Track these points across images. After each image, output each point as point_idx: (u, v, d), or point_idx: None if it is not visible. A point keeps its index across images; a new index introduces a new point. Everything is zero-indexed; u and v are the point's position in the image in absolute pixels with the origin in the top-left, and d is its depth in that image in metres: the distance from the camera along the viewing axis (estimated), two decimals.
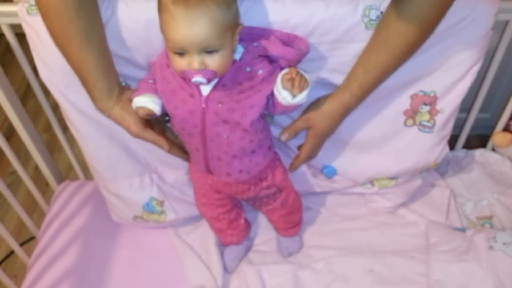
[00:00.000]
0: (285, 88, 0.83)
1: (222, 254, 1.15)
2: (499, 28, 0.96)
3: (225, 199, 1.08)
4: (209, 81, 0.79)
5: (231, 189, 1.02)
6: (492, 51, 1.07)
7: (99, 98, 0.88)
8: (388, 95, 0.97)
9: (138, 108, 0.86)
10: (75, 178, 1.38)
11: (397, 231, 1.20)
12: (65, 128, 1.06)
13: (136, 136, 0.91)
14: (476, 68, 0.97)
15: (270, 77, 0.85)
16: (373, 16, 0.86)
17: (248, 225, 1.17)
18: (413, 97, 1.01)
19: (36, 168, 1.32)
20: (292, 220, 1.14)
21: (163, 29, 0.76)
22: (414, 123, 1.05)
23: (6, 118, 1.14)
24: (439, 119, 1.04)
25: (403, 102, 1.02)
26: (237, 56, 0.82)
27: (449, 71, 0.97)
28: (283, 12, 0.85)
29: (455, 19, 0.87)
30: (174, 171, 1.13)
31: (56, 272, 1.15)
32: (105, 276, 1.14)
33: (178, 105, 0.86)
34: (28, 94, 2.00)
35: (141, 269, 1.16)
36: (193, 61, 0.75)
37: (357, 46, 0.89)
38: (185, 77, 0.79)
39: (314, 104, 0.94)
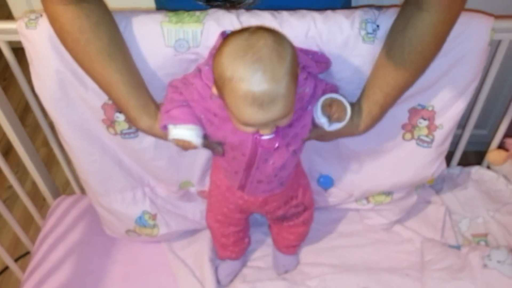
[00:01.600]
0: (324, 114, 0.83)
1: (216, 269, 1.15)
2: (492, 47, 0.97)
3: (244, 219, 1.08)
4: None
5: (264, 208, 1.01)
6: (485, 69, 1.08)
7: (137, 117, 0.86)
8: None
9: (178, 140, 0.82)
10: (73, 192, 1.38)
11: (392, 248, 1.20)
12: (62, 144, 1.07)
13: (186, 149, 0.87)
14: (475, 84, 0.98)
15: (315, 91, 0.85)
16: (370, 30, 0.86)
17: (249, 244, 1.18)
18: (411, 111, 1.02)
19: (34, 182, 1.33)
20: (302, 238, 1.15)
21: (232, 110, 0.72)
22: (413, 137, 1.05)
23: (4, 133, 1.15)
24: (438, 134, 1.04)
25: (402, 115, 1.02)
26: None
27: (447, 86, 0.97)
28: (281, 25, 0.86)
29: (451, 35, 0.88)
30: (166, 186, 1.13)
31: None
32: None
33: (227, 134, 0.84)
34: (29, 108, 1.98)
35: (135, 285, 1.15)
36: (265, 130, 0.75)
37: (356, 60, 0.90)
38: None
39: None
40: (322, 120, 0.84)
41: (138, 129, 0.89)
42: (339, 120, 0.84)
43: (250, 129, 0.76)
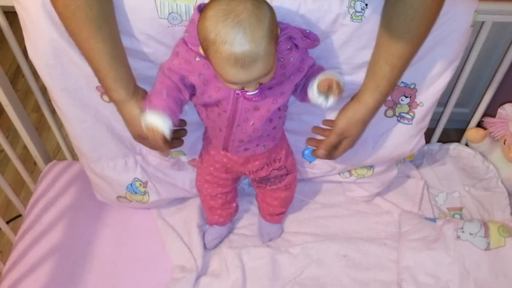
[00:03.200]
0: (320, 94, 0.87)
1: (203, 235, 1.19)
2: (475, 28, 1.00)
3: (230, 180, 1.12)
4: None
5: (246, 167, 1.05)
6: (468, 50, 1.11)
7: (113, 88, 0.88)
8: None
9: (148, 124, 0.84)
10: (63, 158, 1.40)
11: (371, 219, 1.25)
12: (53, 110, 1.07)
13: (135, 139, 0.94)
14: (456, 63, 1.00)
15: (301, 65, 0.89)
16: (358, 8, 0.88)
17: (236, 210, 1.21)
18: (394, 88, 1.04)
19: (25, 147, 1.34)
20: (286, 204, 1.18)
21: (218, 70, 0.78)
22: (394, 114, 1.09)
23: None
24: (419, 112, 1.07)
25: None
26: None
27: (429, 65, 1.00)
28: (271, 2, 0.86)
29: None
30: (157, 154, 1.14)
31: (41, 249, 1.17)
32: (89, 254, 1.17)
33: (212, 93, 0.88)
34: (19, 72, 2.00)
35: (125, 248, 1.18)
36: (249, 87, 0.81)
37: (343, 37, 0.92)
38: None
39: (343, 115, 0.95)
40: (320, 101, 0.88)
41: (111, 101, 0.92)
42: (337, 95, 0.87)
43: (236, 86, 0.82)
